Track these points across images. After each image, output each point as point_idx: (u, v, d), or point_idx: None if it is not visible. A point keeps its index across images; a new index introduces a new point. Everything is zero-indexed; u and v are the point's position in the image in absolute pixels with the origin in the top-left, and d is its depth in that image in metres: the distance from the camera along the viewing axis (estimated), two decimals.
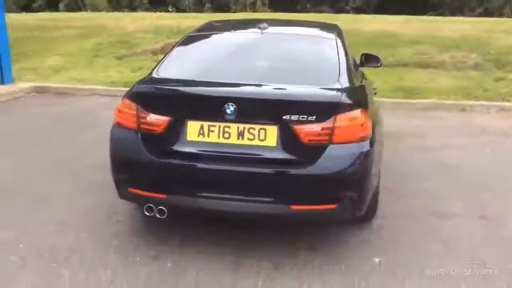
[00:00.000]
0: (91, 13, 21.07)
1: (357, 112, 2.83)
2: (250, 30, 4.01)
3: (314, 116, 2.72)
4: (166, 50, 13.60)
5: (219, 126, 2.81)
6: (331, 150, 2.75)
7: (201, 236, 3.21)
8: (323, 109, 2.77)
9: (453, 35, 11.26)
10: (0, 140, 5.44)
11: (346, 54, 3.42)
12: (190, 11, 24.34)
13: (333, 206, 2.81)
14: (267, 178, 2.79)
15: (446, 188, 4.21)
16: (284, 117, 2.73)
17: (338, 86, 2.94)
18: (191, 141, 2.85)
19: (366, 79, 4.27)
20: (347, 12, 23.59)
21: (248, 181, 2.80)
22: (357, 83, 3.28)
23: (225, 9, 25.09)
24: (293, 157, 2.77)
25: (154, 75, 3.22)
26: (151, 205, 2.88)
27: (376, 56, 4.88)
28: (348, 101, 2.83)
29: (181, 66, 3.39)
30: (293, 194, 2.77)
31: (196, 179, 2.87)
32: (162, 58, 3.47)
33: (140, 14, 19.07)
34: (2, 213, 3.56)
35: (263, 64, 3.37)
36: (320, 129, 2.73)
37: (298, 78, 3.09)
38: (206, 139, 2.83)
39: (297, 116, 2.71)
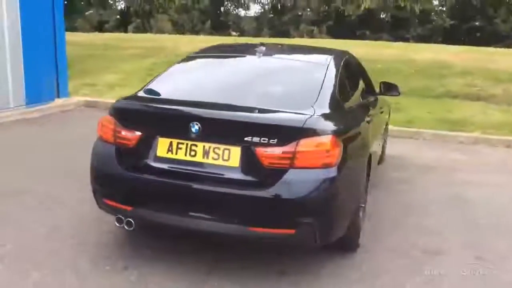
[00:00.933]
0: (155, 35, 22.10)
1: (323, 138, 2.77)
2: (246, 53, 4.06)
3: (276, 140, 2.70)
4: None
5: (187, 144, 2.84)
6: (290, 174, 2.70)
7: (175, 251, 3.24)
8: (285, 133, 2.73)
9: (509, 68, 10.73)
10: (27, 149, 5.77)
11: (335, 81, 3.35)
12: (249, 35, 24.88)
13: (291, 231, 2.74)
14: (226, 198, 2.79)
15: (449, 226, 3.96)
16: (246, 139, 2.73)
17: (309, 111, 2.89)
18: (160, 157, 2.91)
19: (371, 107, 4.18)
20: (407, 40, 23.16)
21: (208, 200, 2.82)
22: (339, 110, 3.20)
23: (285, 35, 25.45)
24: (252, 179, 2.75)
25: (139, 93, 3.35)
26: (120, 216, 2.96)
27: (395, 85, 4.84)
28: (313, 126, 2.77)
29: (166, 85, 3.49)
30: (250, 216, 2.75)
31: (160, 194, 2.92)
32: (154, 77, 3.61)
33: (200, 37, 19.75)
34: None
35: (244, 87, 3.38)
36: (280, 152, 2.70)
37: (273, 101, 3.07)
38: (174, 156, 2.87)
39: (259, 138, 2.70)
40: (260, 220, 2.73)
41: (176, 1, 27.72)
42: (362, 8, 23.94)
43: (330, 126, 2.90)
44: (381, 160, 5.59)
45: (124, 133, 2.97)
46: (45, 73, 8.37)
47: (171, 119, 2.98)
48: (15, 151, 5.65)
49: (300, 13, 27.03)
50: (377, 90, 4.83)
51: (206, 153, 2.80)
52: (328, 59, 3.69)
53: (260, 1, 31.01)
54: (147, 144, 2.92)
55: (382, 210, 4.26)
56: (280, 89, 3.29)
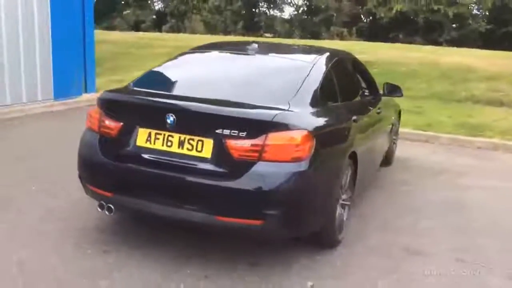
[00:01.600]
0: (186, 35, 22.47)
1: (293, 133, 2.81)
2: (237, 51, 4.15)
3: (245, 133, 2.77)
4: None
5: (164, 135, 2.96)
6: (259, 166, 2.76)
7: (156, 238, 3.36)
8: (254, 127, 2.79)
9: None
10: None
11: (320, 79, 3.39)
12: (281, 37, 24.94)
13: (258, 222, 2.79)
14: (197, 188, 2.86)
15: (440, 228, 3.92)
16: (217, 131, 2.81)
17: (283, 107, 2.95)
18: (139, 146, 3.03)
19: (365, 107, 4.22)
20: (440, 44, 22.67)
21: (181, 189, 2.91)
22: (318, 107, 3.22)
23: (316, 37, 25.38)
24: (222, 170, 2.83)
25: (129, 85, 3.50)
26: (102, 202, 3.10)
27: (398, 86, 4.87)
28: (283, 121, 2.82)
29: (152, 79, 3.63)
30: (219, 205, 2.82)
31: (138, 182, 3.04)
32: (145, 72, 3.76)
33: (228, 38, 19.94)
34: None
35: (227, 82, 3.47)
36: (249, 145, 2.77)
37: (251, 96, 3.13)
38: (152, 146, 2.99)
39: (229, 131, 2.78)
40: (228, 210, 2.81)
41: (209, 2, 28.12)
42: (394, 11, 23.62)
43: (302, 121, 2.94)
44: (388, 161, 5.58)
45: (107, 122, 3.13)
46: (73, 69, 8.72)
47: (149, 111, 3.11)
48: (38, 140, 5.94)
49: (332, 15, 26.87)
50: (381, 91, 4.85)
51: (181, 144, 2.91)
52: (317, 58, 3.75)
53: (294, 3, 31.06)
54: (128, 134, 3.06)
55: (376, 210, 4.27)
56: (262, 85, 3.37)
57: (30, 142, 5.91)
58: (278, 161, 2.78)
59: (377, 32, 24.99)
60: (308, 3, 29.63)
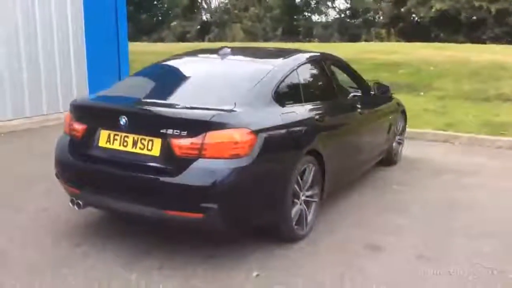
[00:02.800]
0: (226, 43, 22.92)
1: (231, 131, 2.98)
2: (207, 56, 4.36)
3: (186, 132, 2.96)
4: None
5: (121, 135, 3.20)
6: (198, 163, 2.94)
7: (126, 233, 3.59)
8: (193, 126, 2.97)
9: None
10: None
11: (278, 81, 3.54)
12: (320, 41, 24.91)
13: (199, 215, 2.97)
14: (147, 184, 3.07)
15: (417, 226, 3.87)
16: (162, 131, 3.02)
17: (228, 107, 3.12)
18: (101, 146, 3.29)
19: (338, 108, 4.27)
20: (484, 41, 21.83)
21: (134, 185, 3.12)
22: (269, 108, 3.35)
23: (355, 39, 25.14)
24: (168, 167, 3.02)
25: (100, 92, 3.79)
26: (73, 198, 3.39)
27: (386, 86, 5.01)
28: (221, 120, 2.99)
29: (123, 86, 3.96)
30: (165, 200, 3.02)
31: (99, 180, 3.29)
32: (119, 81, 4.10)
33: (266, 44, 20.19)
34: None
35: (184, 86, 3.69)
36: (189, 143, 2.95)
37: (201, 98, 3.32)
38: (111, 146, 3.25)
39: (172, 130, 2.98)
40: (173, 205, 3.00)
41: (249, 10, 28.55)
42: (434, 10, 22.94)
43: (243, 121, 3.08)
44: (390, 161, 5.59)
45: (75, 125, 3.42)
46: (108, 78, 9.19)
47: (106, 114, 3.37)
48: None
49: (371, 17, 26.52)
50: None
51: (135, 144, 3.14)
52: (280, 61, 3.88)
53: (333, 7, 30.92)
54: (91, 135, 3.34)
55: (356, 207, 4.29)
56: (216, 88, 3.51)
57: None
58: (216, 158, 2.95)
59: (418, 32, 24.37)
60: (350, 6, 29.43)
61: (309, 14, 30.83)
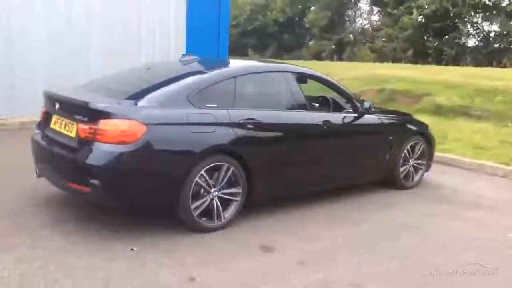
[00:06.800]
0: (346, 63, 23.00)
1: (119, 121, 3.43)
2: (171, 62, 4.99)
3: (87, 118, 3.53)
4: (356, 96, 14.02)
5: (61, 119, 3.84)
6: (91, 145, 3.47)
7: (97, 216, 3.97)
8: (92, 114, 3.51)
9: None
10: None
11: (206, 85, 3.91)
12: (448, 64, 23.37)
13: (88, 189, 3.48)
14: (64, 159, 3.70)
15: (326, 238, 3.94)
16: (75, 116, 3.64)
17: (129, 102, 3.63)
18: (51, 128, 3.97)
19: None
20: None
21: (59, 159, 3.78)
22: (173, 106, 3.68)
23: (491, 64, 22.99)
24: (76, 146, 3.59)
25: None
26: (36, 170, 4.16)
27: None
28: (112, 111, 3.46)
29: (92, 81, 4.54)
30: (70, 174, 3.65)
31: (44, 157, 4.02)
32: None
33: (385, 65, 19.77)
34: None
35: (125, 83, 4.31)
36: (88, 127, 3.49)
37: (123, 94, 3.83)
38: (55, 127, 3.93)
39: (80, 116, 3.59)
40: (73, 178, 3.62)
41: (382, 31, 28.02)
42: None
43: (133, 113, 3.50)
44: (399, 185, 5.46)
45: (42, 110, 4.24)
46: None
47: (52, 101, 4.05)
48: None
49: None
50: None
51: (66, 126, 3.78)
52: (217, 70, 4.19)
53: (482, 30, 28.57)
54: (48, 119, 4.07)
55: (299, 218, 4.37)
56: (145, 87, 3.98)
57: None
58: (105, 142, 3.43)
59: None
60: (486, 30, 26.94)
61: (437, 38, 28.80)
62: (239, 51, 32.95)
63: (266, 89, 4.44)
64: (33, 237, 3.55)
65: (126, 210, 3.93)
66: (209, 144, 3.77)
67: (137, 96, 3.74)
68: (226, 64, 4.77)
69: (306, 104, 4.64)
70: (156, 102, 3.69)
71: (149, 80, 4.19)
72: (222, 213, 3.91)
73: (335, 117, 4.83)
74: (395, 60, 26.68)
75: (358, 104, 5.03)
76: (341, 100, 5.25)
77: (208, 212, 3.85)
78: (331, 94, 5.38)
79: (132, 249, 3.44)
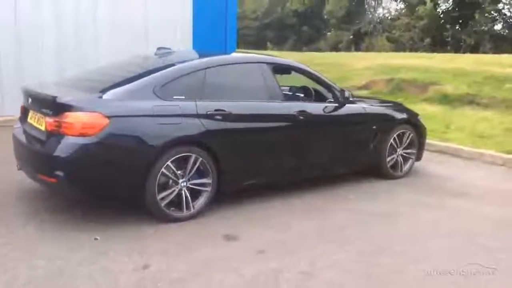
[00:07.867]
0: (364, 53, 22.61)
1: (80, 114, 3.50)
2: (149, 56, 4.85)
3: (52, 112, 3.60)
4: (368, 87, 13.85)
5: (36, 114, 3.91)
6: (56, 137, 3.53)
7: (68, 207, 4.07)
8: (56, 108, 3.58)
9: None
10: None
11: (173, 77, 3.92)
12: (466, 51, 22.69)
13: (54, 180, 3.55)
14: (35, 151, 3.80)
15: (314, 230, 3.88)
16: (43, 110, 3.72)
17: (94, 95, 3.70)
18: (28, 122, 4.04)
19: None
20: None
21: (30, 154, 3.89)
22: (139, 99, 3.71)
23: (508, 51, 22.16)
24: (44, 139, 3.66)
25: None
26: (17, 165, 4.20)
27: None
28: (74, 104, 3.53)
29: (68, 75, 4.70)
30: (38, 165, 3.74)
31: (21, 150, 4.04)
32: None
33: (400, 54, 19.29)
34: None
35: (97, 76, 4.36)
36: (52, 121, 3.57)
37: (92, 87, 3.92)
38: (30, 121, 4.00)
39: (46, 110, 3.67)
40: (41, 169, 3.71)
41: (398, 21, 27.39)
42: None
43: (97, 106, 3.56)
44: (381, 174, 5.39)
45: (21, 106, 4.33)
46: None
47: (26, 96, 4.12)
48: None
49: None
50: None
51: (38, 120, 3.86)
52: (186, 63, 4.19)
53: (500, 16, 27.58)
54: (26, 113, 4.16)
55: (270, 209, 4.34)
56: (113, 80, 3.98)
57: None
58: (69, 134, 3.50)
59: None
60: None
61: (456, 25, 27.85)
62: (258, 45, 32.83)
63: (238, 81, 4.40)
64: (8, 226, 3.67)
65: (95, 201, 4.02)
66: (174, 136, 3.79)
67: (105, 89, 3.78)
68: (198, 56, 4.77)
69: (281, 94, 4.60)
70: (122, 95, 3.74)
71: (121, 74, 4.22)
72: (191, 204, 3.93)
73: (313, 107, 4.78)
74: (412, 49, 26.09)
75: (338, 94, 4.98)
76: (325, 91, 5.17)
77: (177, 203, 3.88)
78: (314, 85, 5.31)
79: (96, 239, 3.50)
